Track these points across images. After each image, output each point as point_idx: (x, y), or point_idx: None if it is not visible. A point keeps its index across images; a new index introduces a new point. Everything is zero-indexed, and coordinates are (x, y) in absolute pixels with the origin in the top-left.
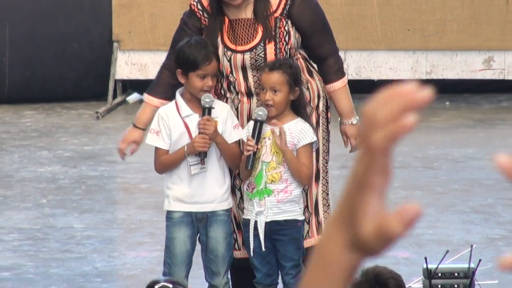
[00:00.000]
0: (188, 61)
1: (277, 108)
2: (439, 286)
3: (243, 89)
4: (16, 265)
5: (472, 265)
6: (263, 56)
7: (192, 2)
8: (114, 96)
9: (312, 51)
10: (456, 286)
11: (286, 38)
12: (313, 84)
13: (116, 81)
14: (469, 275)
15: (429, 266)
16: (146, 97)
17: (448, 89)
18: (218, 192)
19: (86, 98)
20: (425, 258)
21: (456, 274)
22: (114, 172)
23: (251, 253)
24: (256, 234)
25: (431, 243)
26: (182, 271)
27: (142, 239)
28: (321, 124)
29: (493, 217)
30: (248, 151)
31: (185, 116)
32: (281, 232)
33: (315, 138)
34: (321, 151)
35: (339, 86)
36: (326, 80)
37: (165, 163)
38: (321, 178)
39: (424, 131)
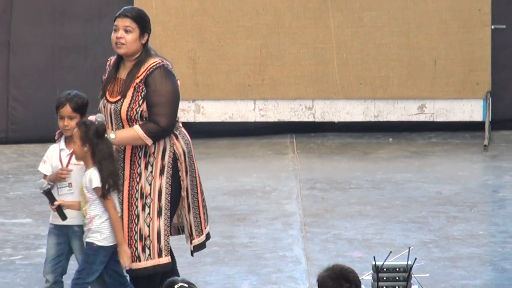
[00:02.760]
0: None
1: (77, 157)
2: (384, 278)
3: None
4: None
5: (410, 262)
6: (119, 110)
7: (109, 58)
8: None
9: (149, 115)
10: (397, 278)
11: (140, 102)
12: (160, 142)
13: None
14: (407, 270)
15: (377, 263)
16: None
17: (391, 129)
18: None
19: None
20: (374, 257)
21: (397, 269)
22: None
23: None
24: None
25: (378, 245)
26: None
27: None
28: (165, 172)
29: (426, 226)
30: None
31: (61, 149)
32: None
33: (98, 184)
34: (163, 193)
35: (136, 129)
36: (143, 123)
37: None
38: (163, 214)
39: (372, 160)
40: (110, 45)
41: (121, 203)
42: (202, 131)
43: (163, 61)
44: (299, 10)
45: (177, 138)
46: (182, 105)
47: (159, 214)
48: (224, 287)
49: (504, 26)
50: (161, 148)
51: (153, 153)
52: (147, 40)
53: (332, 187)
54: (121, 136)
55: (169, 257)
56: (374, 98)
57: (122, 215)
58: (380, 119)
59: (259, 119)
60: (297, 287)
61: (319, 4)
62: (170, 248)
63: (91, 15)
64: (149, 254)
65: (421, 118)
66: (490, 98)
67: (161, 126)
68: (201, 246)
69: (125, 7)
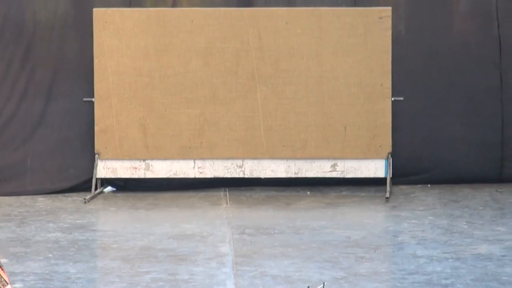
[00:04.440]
0: None
1: None
2: None
3: None
4: None
5: None
6: None
7: None
8: (96, 188)
9: None
10: None
11: None
12: None
13: (97, 179)
14: None
15: None
16: None
17: (309, 183)
18: None
19: (78, 190)
20: None
21: None
22: (95, 237)
23: None
24: None
25: (298, 281)
26: None
27: (113, 280)
28: None
29: (338, 264)
30: None
31: None
32: None
33: None
34: None
35: None
36: None
37: None
38: None
39: (293, 210)
40: (73, 119)
41: None
42: (151, 186)
43: None
44: (231, 85)
45: None
46: (135, 163)
47: None
48: None
49: (402, 98)
50: None
51: None
52: None
53: (259, 232)
54: None
55: None
56: (294, 158)
57: None
58: (300, 175)
59: (198, 175)
60: None
61: (248, 80)
62: None
63: (52, 94)
64: None
65: (334, 174)
66: (391, 158)
67: None
68: None
69: None
